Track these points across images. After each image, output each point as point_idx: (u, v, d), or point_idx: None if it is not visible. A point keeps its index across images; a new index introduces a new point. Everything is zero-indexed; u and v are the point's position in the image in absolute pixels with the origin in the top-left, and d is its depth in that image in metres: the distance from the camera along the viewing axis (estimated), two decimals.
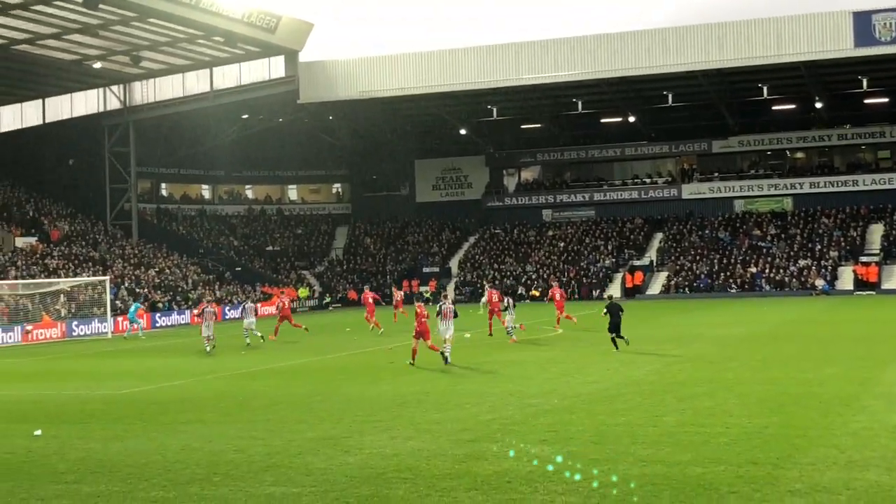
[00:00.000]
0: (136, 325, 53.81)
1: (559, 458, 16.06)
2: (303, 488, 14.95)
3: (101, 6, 56.81)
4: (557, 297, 45.19)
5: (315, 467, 16.33)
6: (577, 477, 14.89)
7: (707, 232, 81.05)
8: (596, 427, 19.01)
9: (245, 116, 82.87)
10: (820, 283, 70.87)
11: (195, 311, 53.53)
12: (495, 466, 15.89)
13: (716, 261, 76.42)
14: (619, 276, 77.64)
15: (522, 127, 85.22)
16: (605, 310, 34.05)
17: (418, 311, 31.61)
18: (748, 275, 73.67)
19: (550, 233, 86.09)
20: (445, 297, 34.43)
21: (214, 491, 15.02)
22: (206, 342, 40.10)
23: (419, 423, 20.13)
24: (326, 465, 16.42)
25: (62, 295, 57.73)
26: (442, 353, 31.03)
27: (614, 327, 33.38)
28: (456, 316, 32.15)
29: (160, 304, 64.57)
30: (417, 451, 17.34)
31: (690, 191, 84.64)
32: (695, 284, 74.14)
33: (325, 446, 18.10)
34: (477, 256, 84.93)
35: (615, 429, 18.78)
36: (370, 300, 48.93)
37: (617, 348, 33.13)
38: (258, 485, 15.27)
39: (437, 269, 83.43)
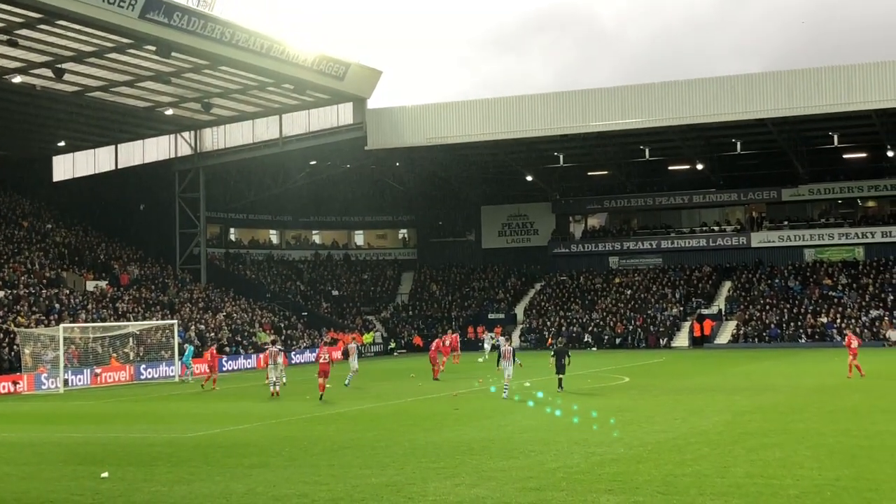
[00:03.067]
0: (185, 367, 54.35)
1: None
2: None
3: (173, 54, 57.82)
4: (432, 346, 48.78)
5: None
6: None
7: (777, 281, 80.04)
8: (663, 477, 18.73)
9: (313, 162, 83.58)
10: (892, 334, 69.55)
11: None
12: None
13: (786, 310, 75.39)
14: (686, 325, 76.90)
15: (589, 174, 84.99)
16: (552, 353, 38.33)
17: (319, 352, 38.21)
18: (819, 325, 72.58)
19: (617, 280, 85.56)
20: (507, 340, 38.78)
21: None
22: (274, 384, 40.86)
23: (484, 471, 19.98)
24: None
25: (131, 338, 58.32)
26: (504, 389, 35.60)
27: (560, 369, 37.23)
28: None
29: (227, 349, 64.98)
30: (481, 499, 17.20)
31: (760, 239, 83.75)
32: (764, 334, 73.14)
33: (388, 493, 18.02)
34: (543, 303, 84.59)
35: (683, 479, 18.49)
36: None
37: (561, 388, 36.95)
38: None
39: (502, 316, 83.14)
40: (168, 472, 21.09)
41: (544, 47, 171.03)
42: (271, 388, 40.56)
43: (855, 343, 41.99)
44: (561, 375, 37.39)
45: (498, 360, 36.59)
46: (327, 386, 39.07)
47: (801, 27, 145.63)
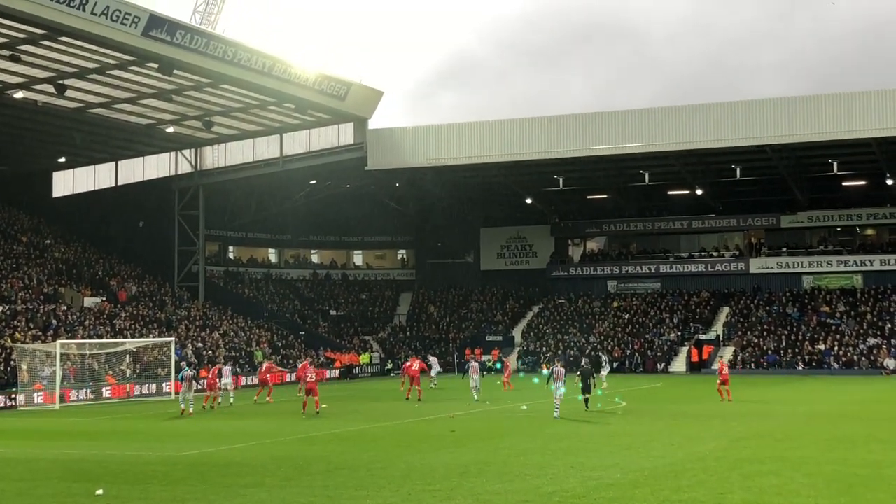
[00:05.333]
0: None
1: None
2: None
3: (175, 72, 57.91)
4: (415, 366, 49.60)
5: None
6: None
7: (775, 307, 79.99)
8: (659, 503, 18.66)
9: (313, 182, 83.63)
10: (890, 362, 69.49)
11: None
12: None
13: (783, 337, 75.30)
14: (684, 350, 76.79)
15: (588, 197, 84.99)
16: (578, 373, 40.80)
17: (299, 371, 38.51)
18: (816, 352, 72.49)
19: (615, 304, 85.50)
20: (558, 361, 40.29)
21: None
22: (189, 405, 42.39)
23: (479, 494, 19.91)
24: None
25: (128, 355, 58.23)
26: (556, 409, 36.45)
27: (586, 389, 39.12)
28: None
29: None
30: None
31: (758, 265, 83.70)
32: (762, 360, 73.05)
33: None
34: (540, 326, 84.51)
35: None
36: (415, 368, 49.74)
37: (587, 408, 38.51)
38: None
39: (500, 338, 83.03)
40: (163, 491, 21.03)
41: (585, 63, 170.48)
42: (187, 408, 42.20)
43: (726, 370, 46.46)
44: (587, 395, 39.03)
45: (548, 380, 37.74)
46: (323, 405, 39.15)
47: (847, 46, 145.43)
